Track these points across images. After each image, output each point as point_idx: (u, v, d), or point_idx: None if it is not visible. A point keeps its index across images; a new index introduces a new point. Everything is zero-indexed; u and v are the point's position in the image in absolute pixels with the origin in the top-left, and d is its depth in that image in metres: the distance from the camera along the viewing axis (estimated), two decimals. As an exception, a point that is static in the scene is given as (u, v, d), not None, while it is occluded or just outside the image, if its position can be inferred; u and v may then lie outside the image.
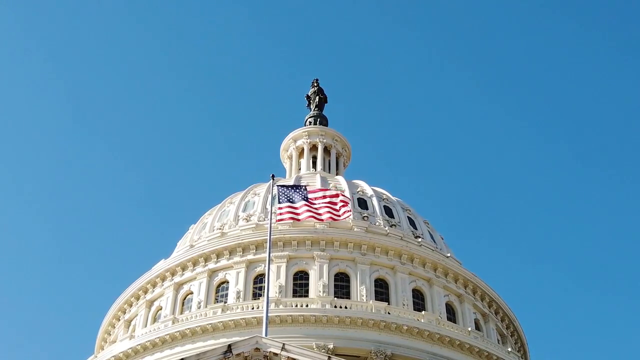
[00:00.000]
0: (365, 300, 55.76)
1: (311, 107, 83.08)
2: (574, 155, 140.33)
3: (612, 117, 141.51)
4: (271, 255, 46.10)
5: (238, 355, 35.63)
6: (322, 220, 46.47)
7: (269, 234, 43.75)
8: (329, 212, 45.06)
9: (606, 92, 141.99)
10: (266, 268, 43.69)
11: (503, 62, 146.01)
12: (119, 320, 64.61)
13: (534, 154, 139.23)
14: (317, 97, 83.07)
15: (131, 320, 63.50)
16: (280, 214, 44.65)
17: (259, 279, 58.35)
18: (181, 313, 58.42)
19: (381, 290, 58.26)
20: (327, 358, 36.66)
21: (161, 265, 62.98)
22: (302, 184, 64.45)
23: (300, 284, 57.93)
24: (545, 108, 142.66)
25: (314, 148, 78.92)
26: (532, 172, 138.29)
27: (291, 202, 44.73)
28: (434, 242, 66.97)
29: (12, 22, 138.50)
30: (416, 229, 66.70)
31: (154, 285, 62.64)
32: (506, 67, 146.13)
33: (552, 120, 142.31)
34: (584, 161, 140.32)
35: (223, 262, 60.13)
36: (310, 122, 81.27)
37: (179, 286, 61.14)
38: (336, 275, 58.39)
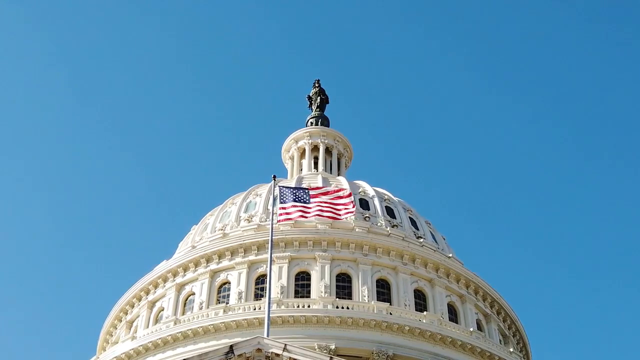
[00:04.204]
0: (367, 301, 55.77)
1: (313, 107, 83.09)
2: (577, 155, 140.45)
3: (613, 117, 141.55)
4: (273, 256, 46.08)
5: (240, 355, 35.69)
6: (327, 217, 46.34)
7: (270, 235, 43.73)
8: (331, 210, 45.04)
9: (608, 91, 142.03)
10: (268, 269, 43.72)
11: (504, 63, 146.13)
12: (121, 321, 64.63)
13: (537, 154, 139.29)
14: (319, 98, 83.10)
15: (133, 321, 63.53)
16: (282, 214, 44.65)
17: (261, 279, 58.39)
18: (183, 314, 58.46)
19: (383, 291, 58.25)
20: (328, 358, 36.72)
21: (163, 266, 63.01)
22: (303, 185, 64.66)
23: (302, 285, 57.93)
24: (547, 107, 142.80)
25: (315, 149, 78.95)
26: (534, 172, 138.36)
27: (293, 203, 44.73)
28: (436, 242, 66.96)
29: (16, 18, 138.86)
30: (418, 229, 66.69)
31: (156, 286, 62.67)
32: (507, 67, 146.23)
33: (554, 120, 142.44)
34: (587, 160, 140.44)
35: (225, 262, 60.14)
36: (311, 123, 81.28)
37: (180, 287, 61.16)
38: (338, 275, 58.40)
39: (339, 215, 45.51)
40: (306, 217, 45.65)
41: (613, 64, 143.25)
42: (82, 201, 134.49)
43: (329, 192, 46.16)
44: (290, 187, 47.20)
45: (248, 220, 64.78)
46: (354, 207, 46.95)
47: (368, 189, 68.83)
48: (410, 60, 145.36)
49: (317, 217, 46.44)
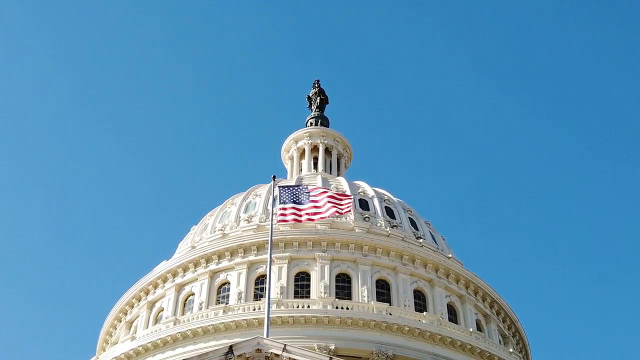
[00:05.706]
0: (366, 301, 55.77)
1: (312, 108, 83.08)
2: (577, 154, 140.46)
3: (614, 116, 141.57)
4: (272, 256, 46.04)
5: (239, 356, 35.68)
6: (326, 217, 46.24)
7: (270, 235, 43.67)
8: (330, 209, 44.94)
9: (608, 91, 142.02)
10: (267, 269, 43.70)
11: (504, 63, 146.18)
12: (121, 321, 64.64)
13: (537, 154, 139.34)
14: (318, 98, 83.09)
15: (133, 322, 63.54)
16: (281, 214, 44.60)
17: (260, 280, 58.38)
18: (182, 314, 58.45)
19: (382, 291, 58.25)
20: (328, 359, 36.70)
21: (162, 267, 63.01)
22: (303, 185, 64.58)
23: (301, 285, 57.93)
24: (547, 107, 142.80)
25: (315, 149, 78.94)
26: (534, 172, 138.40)
27: (292, 203, 44.67)
28: (436, 242, 66.94)
29: (16, 18, 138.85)
30: (417, 229, 66.68)
31: (155, 287, 62.66)
32: (507, 67, 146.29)
33: (554, 120, 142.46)
34: (587, 160, 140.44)
35: (224, 263, 60.13)
36: (311, 123, 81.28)
37: (180, 287, 61.16)
38: (337, 276, 58.39)
39: (339, 209, 45.27)
40: (305, 219, 45.51)
41: (613, 64, 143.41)
42: (82, 201, 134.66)
43: (329, 195, 46.00)
44: (290, 188, 47.05)
45: (248, 220, 64.76)
46: (351, 206, 46.88)
47: (368, 190, 68.80)
48: (410, 60, 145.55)
49: (315, 215, 46.19)
